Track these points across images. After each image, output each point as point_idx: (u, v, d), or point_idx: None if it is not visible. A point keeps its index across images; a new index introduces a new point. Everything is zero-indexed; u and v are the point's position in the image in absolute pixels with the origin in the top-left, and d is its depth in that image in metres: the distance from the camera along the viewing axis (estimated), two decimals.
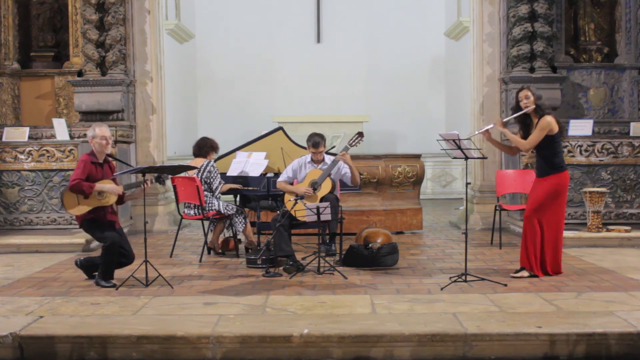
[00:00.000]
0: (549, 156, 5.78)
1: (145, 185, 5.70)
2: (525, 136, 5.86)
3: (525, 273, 5.82)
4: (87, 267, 5.87)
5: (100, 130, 5.63)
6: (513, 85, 8.72)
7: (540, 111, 5.74)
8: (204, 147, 7.29)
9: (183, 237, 8.41)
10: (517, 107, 5.86)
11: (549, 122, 5.68)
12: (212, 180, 7.07)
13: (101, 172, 5.68)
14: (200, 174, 7.06)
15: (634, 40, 9.08)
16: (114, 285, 5.57)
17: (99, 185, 5.57)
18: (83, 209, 5.59)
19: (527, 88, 5.83)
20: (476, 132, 6.14)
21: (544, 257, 5.85)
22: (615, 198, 8.11)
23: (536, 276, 5.79)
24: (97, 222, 5.68)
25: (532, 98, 5.74)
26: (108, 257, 5.64)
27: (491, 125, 5.96)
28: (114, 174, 5.74)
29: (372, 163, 8.74)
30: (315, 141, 6.48)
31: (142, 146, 9.33)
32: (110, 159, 5.85)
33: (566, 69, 9.06)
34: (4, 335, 4.28)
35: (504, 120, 6.00)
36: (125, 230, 8.55)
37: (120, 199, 5.77)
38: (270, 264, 6.20)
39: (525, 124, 5.88)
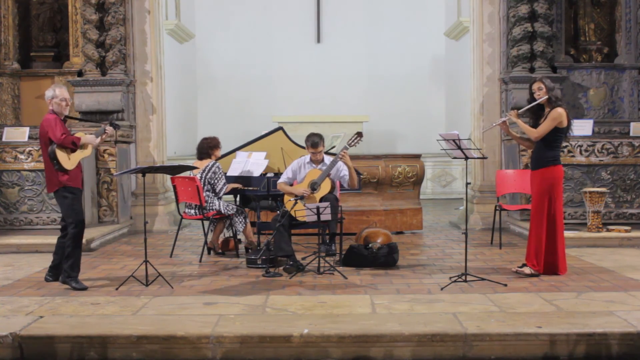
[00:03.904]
0: (546, 148, 5.85)
1: (105, 131, 5.90)
2: (534, 126, 5.93)
3: (527, 270, 5.85)
4: (57, 273, 5.78)
5: (61, 92, 5.67)
6: (513, 85, 8.73)
7: (552, 102, 5.82)
8: (203, 150, 7.29)
9: (183, 237, 8.41)
10: (531, 99, 5.94)
11: (560, 113, 5.77)
12: (216, 181, 7.05)
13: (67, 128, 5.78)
14: (204, 174, 7.05)
15: (634, 40, 9.08)
16: (85, 288, 5.50)
17: (83, 138, 5.67)
18: (75, 160, 5.63)
19: (540, 80, 5.91)
20: (493, 124, 6.35)
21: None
22: (615, 198, 8.11)
23: (536, 275, 5.81)
24: (76, 192, 5.65)
25: (544, 89, 5.82)
26: (78, 250, 5.63)
27: (506, 117, 6.05)
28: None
29: (372, 163, 8.74)
30: (314, 141, 6.47)
31: (142, 146, 9.34)
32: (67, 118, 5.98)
33: (566, 69, 9.06)
34: (4, 335, 4.28)
35: (520, 111, 6.03)
36: (125, 230, 8.59)
37: None
38: (270, 264, 6.20)
39: (537, 115, 5.96)
